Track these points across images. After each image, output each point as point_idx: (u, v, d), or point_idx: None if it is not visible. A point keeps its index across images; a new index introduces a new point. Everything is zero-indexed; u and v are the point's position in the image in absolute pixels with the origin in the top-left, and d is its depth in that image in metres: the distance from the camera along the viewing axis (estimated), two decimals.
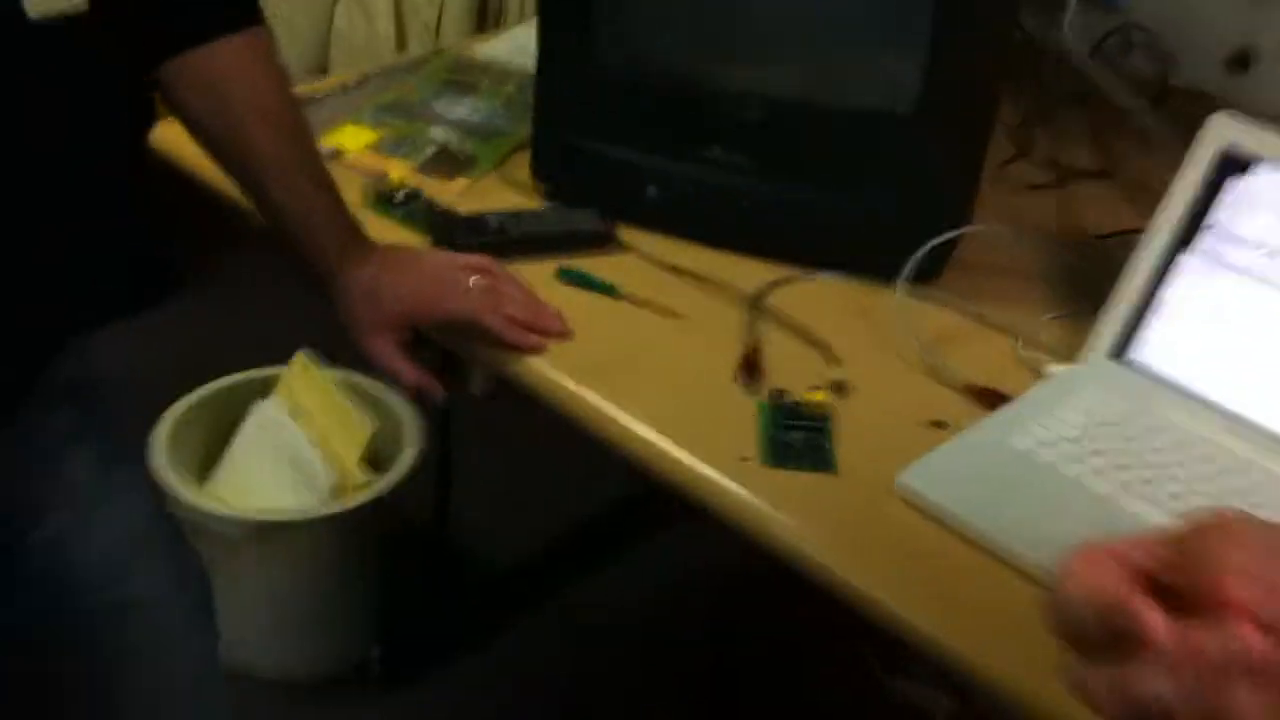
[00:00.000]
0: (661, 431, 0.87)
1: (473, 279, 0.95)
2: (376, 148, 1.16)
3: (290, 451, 1.55)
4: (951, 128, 1.01)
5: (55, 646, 0.75)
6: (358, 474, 1.53)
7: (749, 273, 1.05)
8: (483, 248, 1.01)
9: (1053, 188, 1.20)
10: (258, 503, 1.54)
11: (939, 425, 0.90)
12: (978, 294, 1.05)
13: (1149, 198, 1.21)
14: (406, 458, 1.55)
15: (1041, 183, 1.22)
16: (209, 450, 1.61)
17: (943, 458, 0.85)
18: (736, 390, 0.91)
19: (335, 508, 1.49)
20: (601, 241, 1.06)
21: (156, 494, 1.45)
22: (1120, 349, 0.95)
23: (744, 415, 0.89)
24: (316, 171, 0.93)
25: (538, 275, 1.01)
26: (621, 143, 1.07)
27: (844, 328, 1.00)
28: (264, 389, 1.60)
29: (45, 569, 0.75)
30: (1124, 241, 1.13)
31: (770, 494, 0.83)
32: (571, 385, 0.90)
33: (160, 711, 0.81)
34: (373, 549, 1.56)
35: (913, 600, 0.77)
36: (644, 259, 1.05)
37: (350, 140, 1.17)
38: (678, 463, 0.85)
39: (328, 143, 1.16)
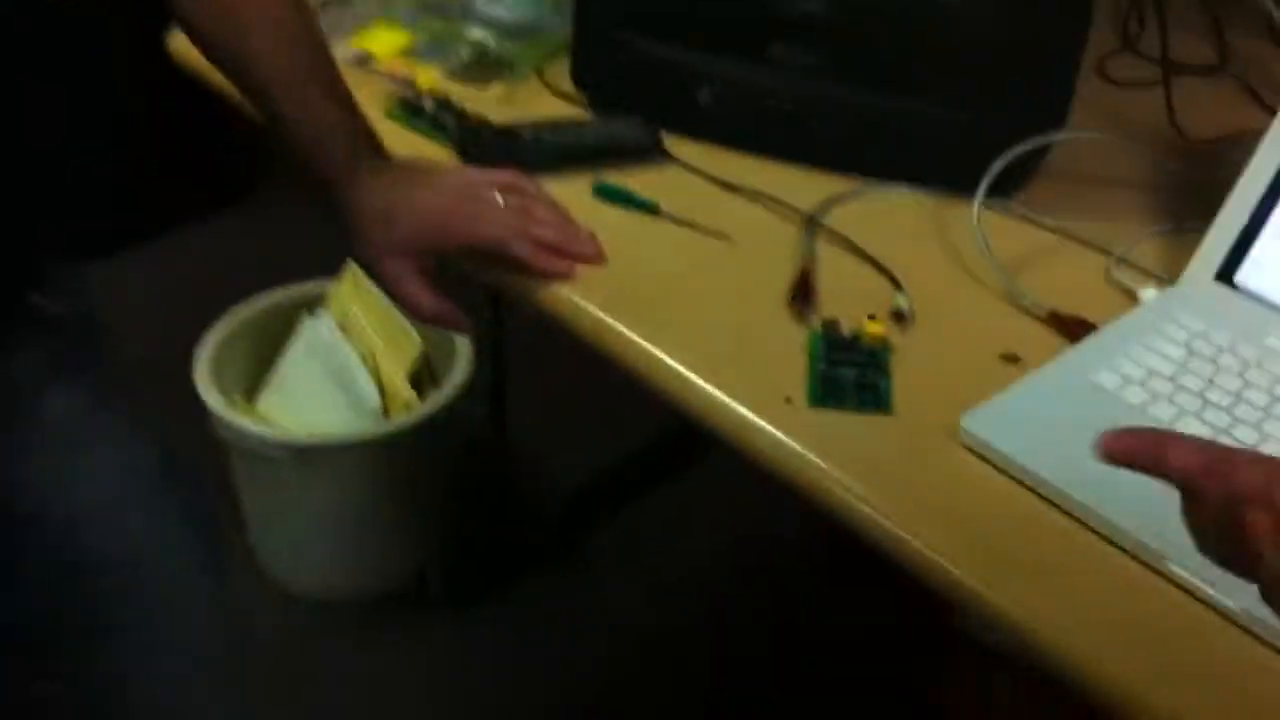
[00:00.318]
0: (695, 367, 0.78)
1: (500, 197, 0.87)
2: (409, 51, 1.07)
3: (338, 370, 1.50)
4: (1045, 16, 0.89)
5: (41, 594, 0.71)
6: (405, 393, 1.47)
7: (808, 188, 0.94)
8: (514, 163, 0.93)
9: (1158, 84, 1.07)
10: (305, 422, 1.50)
11: (1012, 359, 0.80)
12: (1068, 208, 0.94)
13: (1270, 96, 1.08)
14: (457, 377, 1.49)
15: (1147, 79, 1.08)
16: (258, 367, 1.57)
17: (1014, 398, 0.75)
18: (786, 321, 0.82)
19: (380, 429, 1.44)
20: (646, 153, 0.96)
21: (193, 415, 1.42)
22: (1228, 270, 0.83)
23: (792, 349, 0.80)
24: (327, 80, 0.85)
25: (573, 192, 0.92)
26: (672, 40, 0.96)
27: (912, 249, 0.89)
28: (313, 304, 1.55)
29: (30, 527, 0.70)
30: (1238, 146, 1.00)
31: (815, 439, 0.74)
32: (599, 313, 0.82)
33: (161, 665, 0.77)
34: (423, 469, 1.51)
35: (976, 563, 0.68)
36: (692, 173, 0.95)
37: (381, 43, 1.08)
38: (713, 401, 0.77)
39: (356, 45, 1.07)
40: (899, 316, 0.82)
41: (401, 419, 1.45)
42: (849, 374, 0.77)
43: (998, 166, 0.89)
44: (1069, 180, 0.96)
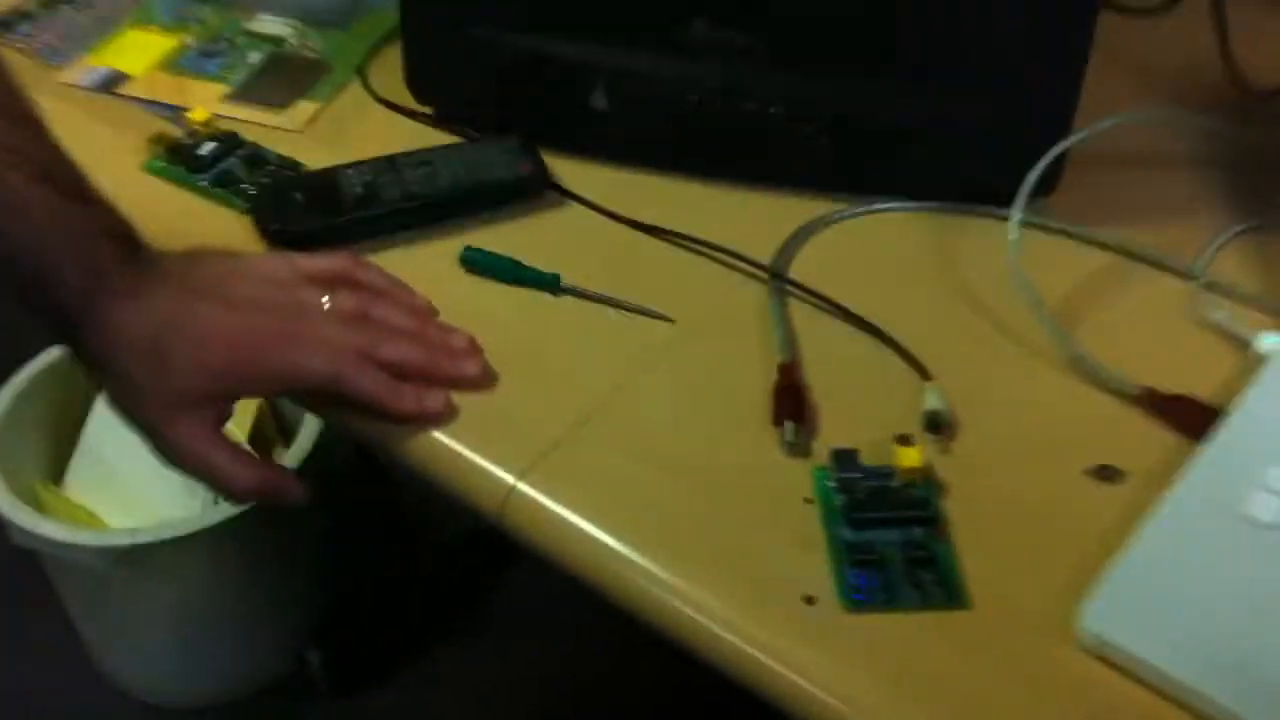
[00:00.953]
0: (660, 555, 0.51)
1: (326, 301, 0.58)
2: (175, 63, 0.76)
3: None
4: None
5: None
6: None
7: (762, 218, 0.67)
8: (338, 232, 0.64)
9: (1170, 7, 0.81)
10: (126, 503, 1.19)
11: (1109, 476, 0.55)
12: (1110, 210, 0.69)
13: None
14: (312, 424, 1.19)
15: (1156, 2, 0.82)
16: (59, 434, 1.25)
17: (1141, 566, 0.50)
18: (773, 450, 0.56)
19: (217, 512, 1.14)
20: (527, 191, 0.68)
21: None
22: None
23: (793, 501, 0.54)
24: (37, 160, 0.55)
25: (430, 266, 0.64)
26: (546, 25, 0.67)
27: (923, 301, 0.63)
28: None
29: None
30: None
31: (859, 664, 0.48)
32: (503, 476, 0.54)
33: None
34: (283, 543, 1.21)
35: None
36: (596, 215, 0.67)
37: (134, 54, 0.76)
38: (693, 622, 0.50)
39: (98, 61, 0.75)
40: (935, 425, 0.56)
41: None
42: (889, 543, 0.52)
43: (1044, 162, 0.63)
44: (1101, 170, 0.70)
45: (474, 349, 0.59)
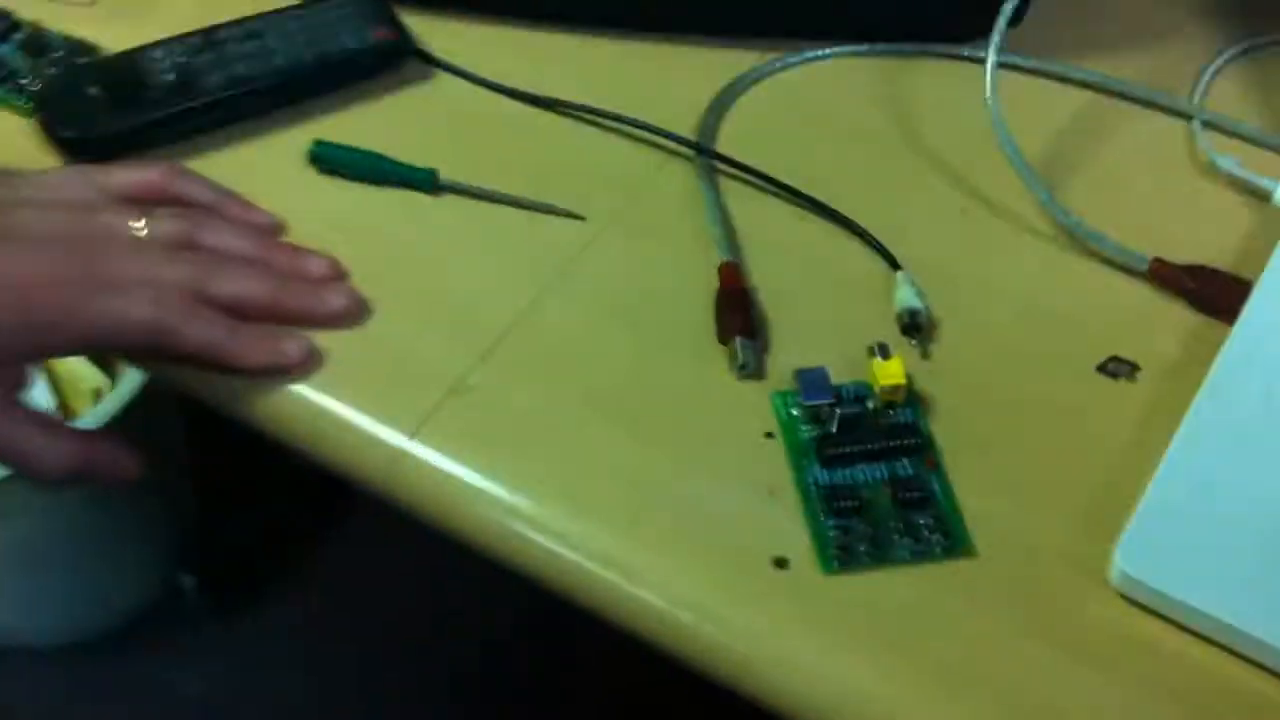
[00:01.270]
0: (589, 522, 0.41)
1: (139, 227, 0.45)
2: None
3: None
4: None
5: None
6: (90, 377, 1.04)
7: (681, 77, 0.55)
8: (148, 134, 0.50)
9: None
10: None
11: (1120, 369, 0.46)
12: (1083, 40, 0.58)
13: None
14: None
15: None
16: None
17: (1176, 491, 0.41)
18: (720, 374, 0.45)
19: None
20: (385, 62, 0.54)
21: None
22: None
23: (749, 436, 0.43)
24: None
25: (272, 166, 0.50)
26: None
27: (879, 168, 0.53)
28: None
29: None
30: None
31: (846, 638, 0.39)
32: (387, 437, 0.43)
33: None
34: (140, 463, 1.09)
35: None
36: (476, 88, 0.54)
37: None
38: (634, 601, 0.40)
39: None
40: (912, 326, 0.46)
41: (91, 412, 1.02)
42: (873, 481, 0.42)
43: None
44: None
45: (336, 274, 0.47)
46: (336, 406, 0.44)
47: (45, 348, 0.44)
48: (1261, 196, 0.51)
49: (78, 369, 1.04)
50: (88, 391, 1.04)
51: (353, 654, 1.19)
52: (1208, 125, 0.54)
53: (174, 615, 1.19)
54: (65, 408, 1.04)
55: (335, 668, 1.19)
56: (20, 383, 0.45)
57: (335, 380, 0.44)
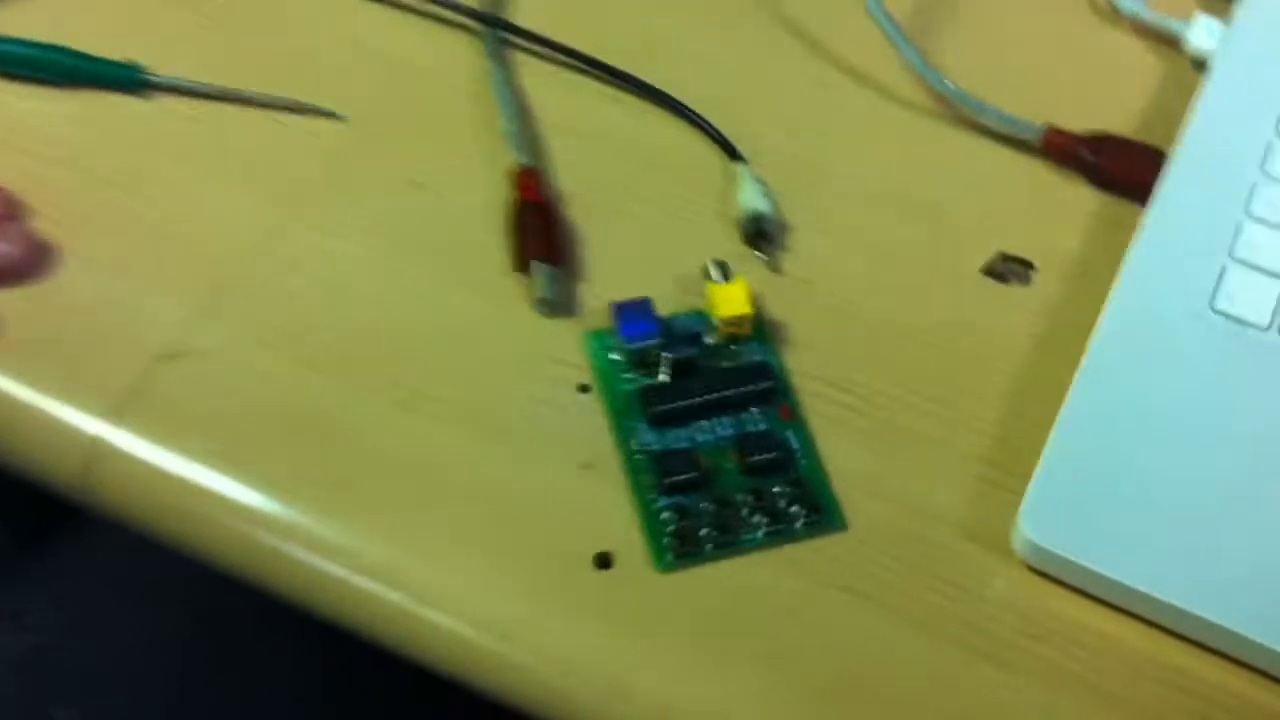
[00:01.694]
0: (337, 518, 0.31)
1: None
2: None
3: None
4: None
5: None
6: None
7: None
8: None
9: None
10: None
11: (1012, 271, 0.37)
12: None
13: None
14: None
15: None
16: None
17: (1085, 435, 0.32)
18: (517, 313, 0.35)
19: None
20: None
21: None
22: None
23: (553, 391, 0.34)
24: None
25: None
26: None
27: (710, 32, 0.42)
28: None
29: None
30: None
31: (697, 657, 0.30)
32: (83, 425, 0.33)
33: None
34: None
35: None
36: None
37: None
38: (431, 628, 0.31)
39: None
40: (759, 234, 0.37)
41: None
42: (716, 442, 0.33)
43: None
44: None
45: (7, 209, 0.36)
46: (11, 389, 0.33)
47: None
48: (1171, 43, 0.42)
49: None
50: None
51: (185, 582, 1.09)
52: None
53: None
54: None
55: (169, 601, 1.09)
56: None
57: (6, 355, 0.33)
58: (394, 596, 0.31)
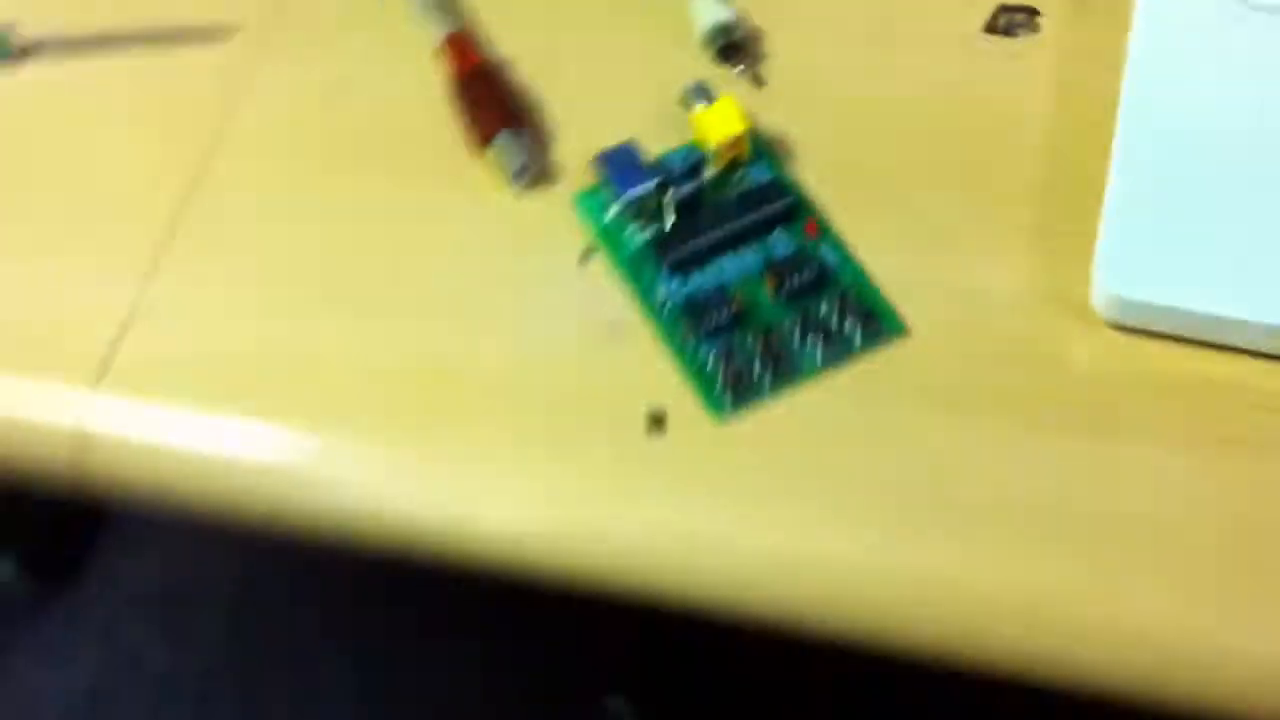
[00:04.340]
0: (358, 441, 0.28)
1: None
2: None
3: None
4: None
5: None
6: None
7: None
8: None
9: None
10: None
11: (1019, 23, 0.34)
12: None
13: None
14: None
15: None
16: None
17: (1145, 175, 0.29)
18: (491, 195, 0.32)
19: None
20: None
21: None
22: None
23: (554, 266, 0.30)
24: None
25: None
26: None
27: None
28: None
29: None
30: None
31: (782, 490, 0.27)
32: (58, 417, 0.29)
33: None
34: None
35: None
36: None
37: None
38: (455, 528, 0.28)
39: None
40: (731, 50, 0.33)
41: None
42: (748, 271, 0.29)
43: None
44: None
45: None
46: None
47: None
48: None
49: None
50: None
51: (218, 601, 1.05)
52: None
53: (5, 609, 1.03)
54: None
55: (204, 621, 1.05)
56: None
57: None
58: (439, 512, 0.27)
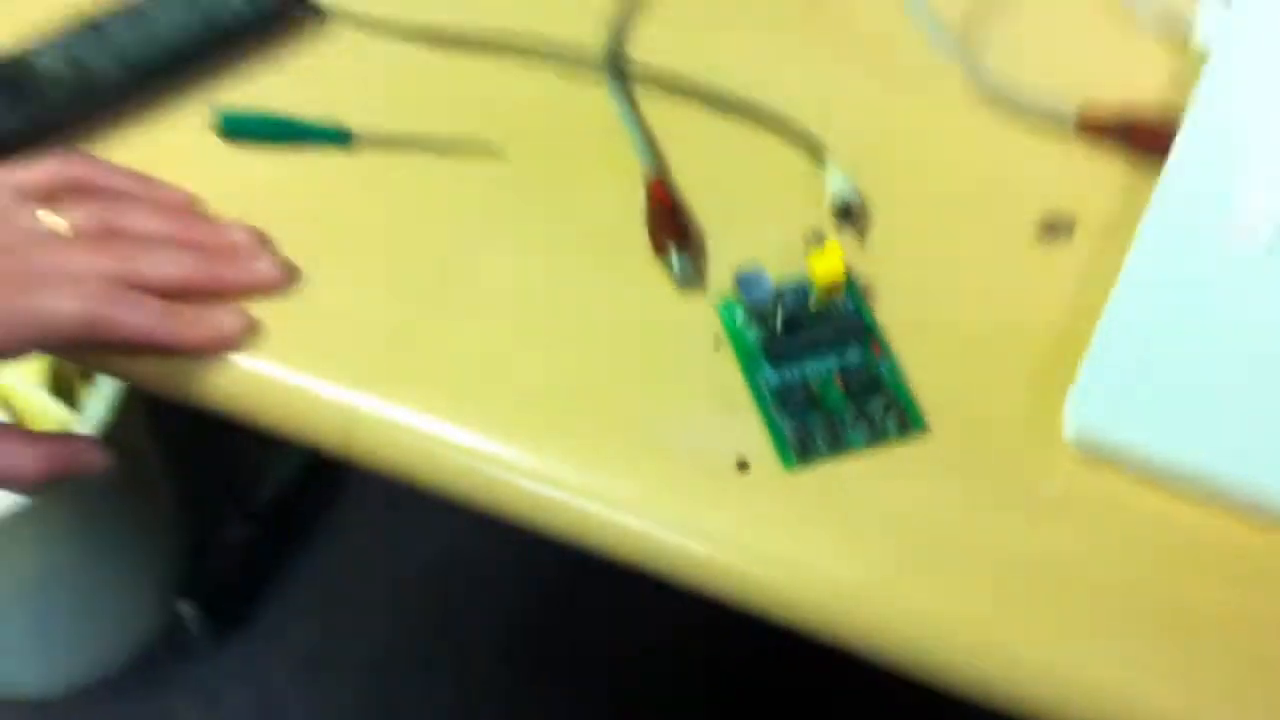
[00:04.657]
0: (545, 453, 0.41)
1: (59, 221, 0.44)
2: None
3: None
4: None
5: None
6: (54, 412, 1.01)
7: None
8: (48, 128, 0.49)
9: None
10: None
11: (1058, 229, 0.45)
12: None
13: None
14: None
15: None
16: None
17: (1121, 341, 0.41)
18: (663, 288, 0.45)
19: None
20: (279, 22, 0.53)
21: None
22: None
23: (698, 346, 0.43)
24: None
25: (179, 144, 0.49)
26: None
27: (796, 56, 0.51)
28: None
29: None
30: None
31: (814, 529, 0.39)
32: (337, 396, 0.43)
33: None
34: (113, 496, 1.07)
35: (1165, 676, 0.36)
36: (374, 35, 0.53)
37: None
38: (604, 520, 0.40)
39: None
40: (846, 213, 0.46)
41: None
42: (824, 373, 0.42)
43: None
44: None
45: (260, 242, 0.46)
46: (281, 373, 0.43)
47: None
48: (1181, 40, 0.50)
49: (40, 405, 1.02)
50: (52, 428, 1.03)
51: (363, 665, 1.17)
52: None
53: (177, 648, 1.17)
54: None
55: (347, 683, 1.17)
56: None
57: (275, 348, 0.43)
58: (588, 505, 0.40)
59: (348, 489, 1.25)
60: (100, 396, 0.97)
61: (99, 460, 0.46)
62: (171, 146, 0.49)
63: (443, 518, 1.17)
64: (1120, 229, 0.45)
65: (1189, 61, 0.49)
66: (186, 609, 1.15)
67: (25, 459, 0.44)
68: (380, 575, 1.21)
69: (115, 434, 0.96)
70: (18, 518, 0.96)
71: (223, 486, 1.22)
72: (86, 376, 1.01)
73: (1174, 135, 0.46)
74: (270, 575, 1.21)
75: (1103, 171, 0.47)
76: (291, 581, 1.21)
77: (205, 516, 1.18)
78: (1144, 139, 0.47)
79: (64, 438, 0.45)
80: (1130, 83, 0.49)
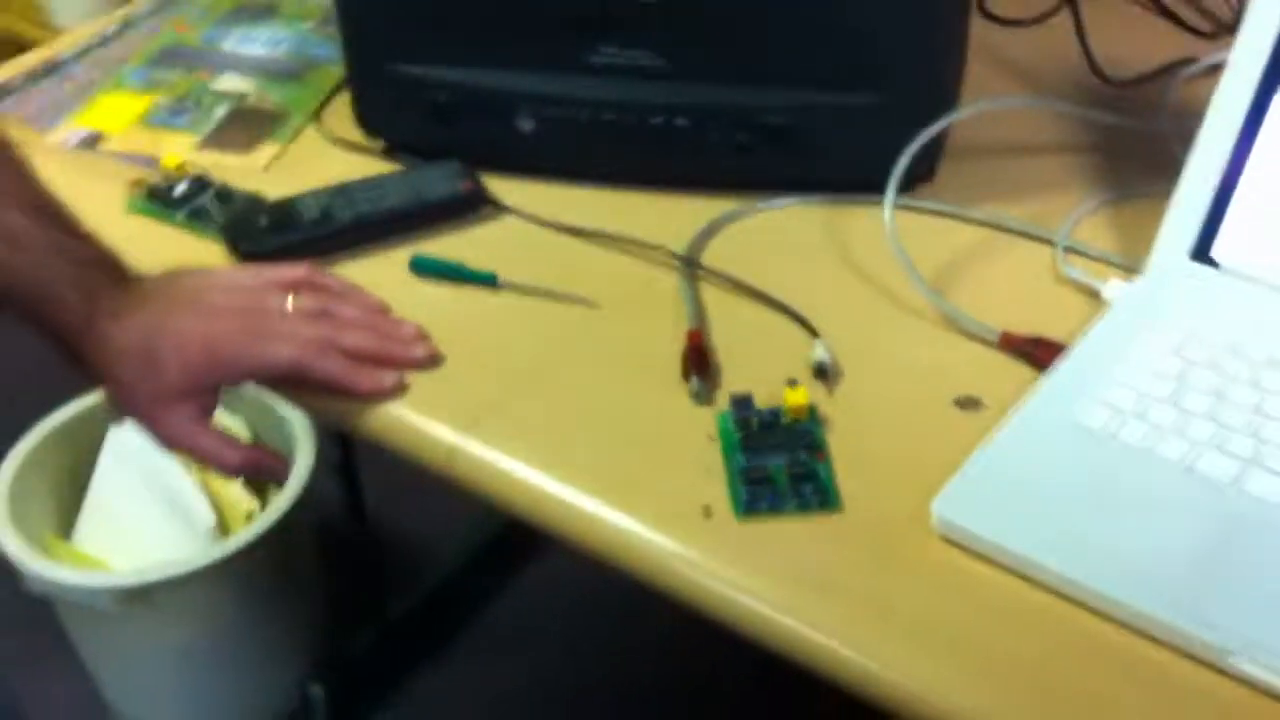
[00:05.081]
0: (580, 485, 0.60)
1: (291, 302, 0.66)
2: (148, 120, 0.85)
3: (159, 482, 1.27)
4: None
5: None
6: (243, 502, 1.25)
7: (676, 218, 0.76)
8: (299, 248, 0.73)
9: (1051, 16, 0.91)
10: (131, 550, 1.27)
11: (970, 404, 0.63)
12: (988, 193, 0.77)
13: (1188, 14, 0.94)
14: (300, 469, 1.27)
15: (1036, 10, 0.92)
16: (72, 491, 1.33)
17: (988, 463, 0.58)
18: (684, 403, 0.64)
19: (219, 550, 1.21)
20: (469, 206, 0.77)
21: None
22: (1204, 246, 0.68)
23: (697, 441, 0.62)
24: (30, 201, 0.64)
25: (384, 274, 0.72)
26: (473, 60, 0.77)
27: (817, 278, 0.72)
28: None
29: None
30: (1169, 82, 0.86)
31: (750, 560, 0.56)
32: (450, 435, 0.63)
33: None
34: (281, 581, 1.29)
35: (984, 695, 0.51)
36: (530, 222, 0.76)
37: (111, 116, 0.86)
38: (609, 529, 0.58)
39: (80, 124, 0.85)
40: (821, 372, 0.65)
41: (243, 533, 1.23)
42: (777, 464, 0.60)
43: (908, 155, 0.72)
44: (979, 158, 0.80)
45: (421, 336, 0.67)
46: (414, 416, 0.64)
47: (224, 379, 0.66)
48: (1094, 294, 0.69)
49: (235, 495, 1.26)
50: (242, 515, 1.26)
51: None
52: (1069, 249, 0.73)
53: None
54: (223, 526, 1.26)
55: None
56: (211, 408, 0.66)
57: (415, 401, 0.64)
58: (615, 530, 0.58)
59: (482, 616, 1.45)
60: (284, 497, 1.20)
61: (282, 471, 0.67)
62: (379, 273, 0.72)
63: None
64: (1013, 409, 0.62)
65: (1094, 310, 0.68)
66: (316, 690, 1.33)
67: (230, 454, 0.66)
68: (503, 679, 1.38)
69: (288, 525, 1.19)
70: (194, 576, 1.17)
71: (371, 590, 1.43)
72: (278, 486, 1.25)
73: (1058, 352, 0.64)
74: (396, 682, 1.39)
75: (1015, 373, 0.65)
76: (410, 692, 1.38)
77: (348, 616, 1.38)
78: (1046, 356, 0.65)
79: (260, 448, 0.67)
80: (1051, 321, 0.67)
